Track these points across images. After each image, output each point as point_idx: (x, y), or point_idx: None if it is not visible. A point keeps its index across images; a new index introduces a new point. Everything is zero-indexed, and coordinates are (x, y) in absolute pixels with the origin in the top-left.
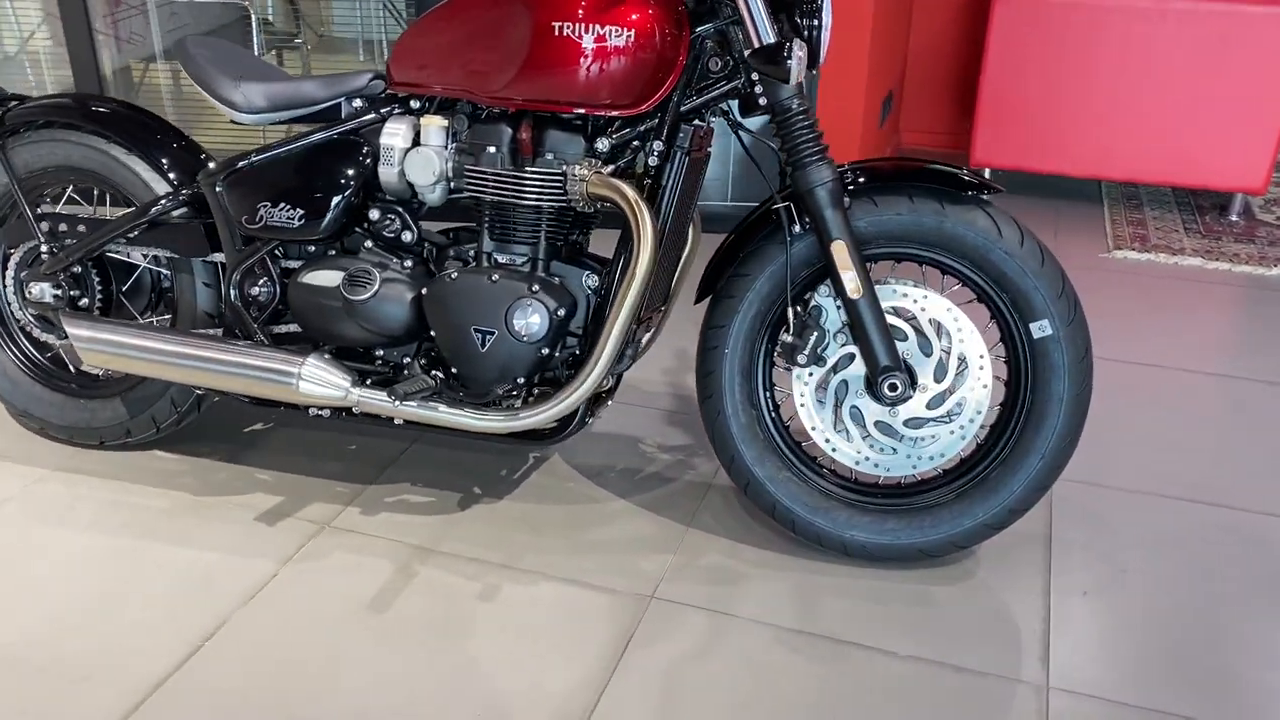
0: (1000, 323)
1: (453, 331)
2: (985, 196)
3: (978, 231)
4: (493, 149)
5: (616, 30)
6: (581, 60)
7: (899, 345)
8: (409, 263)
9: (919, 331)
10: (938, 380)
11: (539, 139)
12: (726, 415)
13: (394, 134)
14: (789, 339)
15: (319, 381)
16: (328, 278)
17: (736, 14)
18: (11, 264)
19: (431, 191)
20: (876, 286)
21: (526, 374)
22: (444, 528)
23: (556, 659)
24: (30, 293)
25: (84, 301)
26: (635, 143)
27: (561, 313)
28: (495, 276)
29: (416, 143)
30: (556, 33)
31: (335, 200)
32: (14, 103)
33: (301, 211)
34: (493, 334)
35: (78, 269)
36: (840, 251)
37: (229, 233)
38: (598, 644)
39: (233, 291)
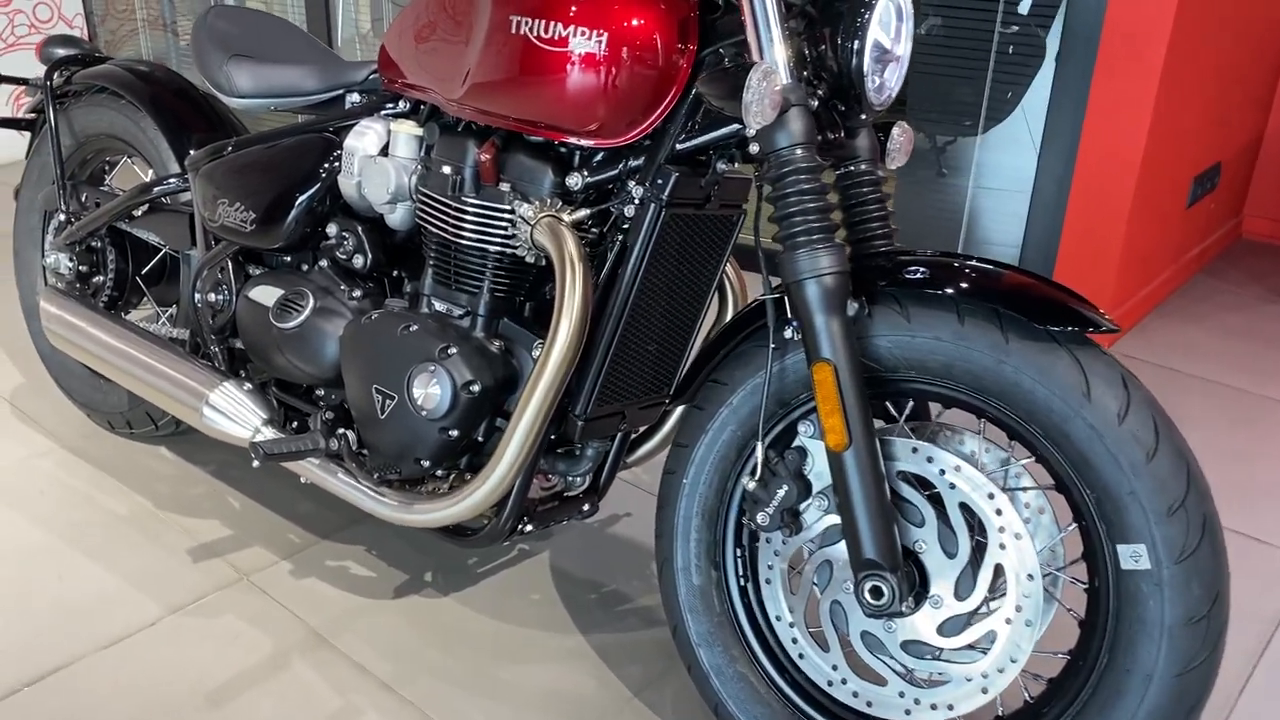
0: (1082, 529)
1: (355, 385)
2: (1080, 332)
3: (1054, 386)
4: (447, 169)
5: (593, 34)
6: (545, 69)
7: (911, 531)
8: (357, 292)
9: (943, 517)
10: (960, 597)
11: (501, 163)
12: (675, 567)
13: (360, 137)
14: (750, 485)
15: (226, 413)
16: (269, 295)
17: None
18: (50, 227)
19: (391, 211)
20: (890, 439)
21: (429, 457)
22: (357, 615)
23: None
24: (47, 260)
25: (97, 279)
26: (624, 185)
27: (475, 387)
28: (410, 327)
29: (387, 151)
30: (515, 30)
31: (294, 206)
32: (74, 66)
33: (255, 215)
34: (393, 399)
35: (96, 244)
36: (824, 380)
37: (201, 227)
38: None
39: (195, 295)
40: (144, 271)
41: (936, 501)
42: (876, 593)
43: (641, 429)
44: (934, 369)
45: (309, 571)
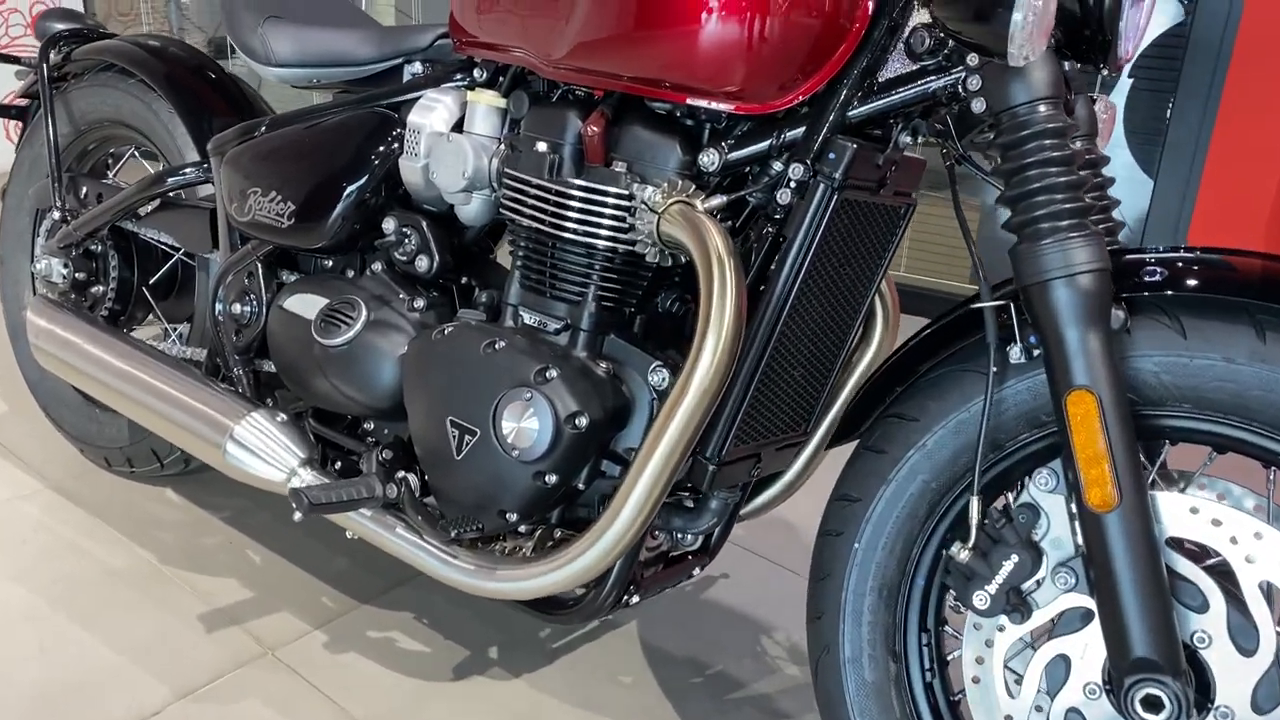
0: None
1: (424, 418)
2: None
3: None
4: (542, 146)
5: None
6: (677, 10)
7: (1190, 619)
8: (419, 302)
9: (1233, 599)
10: (1260, 710)
11: (614, 138)
12: (841, 658)
13: (428, 111)
14: (964, 556)
15: (255, 450)
16: (310, 305)
17: None
18: (43, 228)
19: (465, 201)
20: (1161, 494)
21: (519, 508)
22: (407, 701)
23: None
24: (38, 266)
25: (97, 289)
26: (767, 166)
27: (582, 420)
28: (496, 344)
29: (461, 128)
30: None
31: (343, 197)
32: (74, 42)
33: (295, 207)
34: (474, 435)
35: (96, 247)
36: (1085, 415)
37: (226, 225)
38: None
39: (217, 304)
40: (151, 282)
41: (1217, 578)
42: (1153, 704)
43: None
44: (1218, 401)
45: (347, 644)
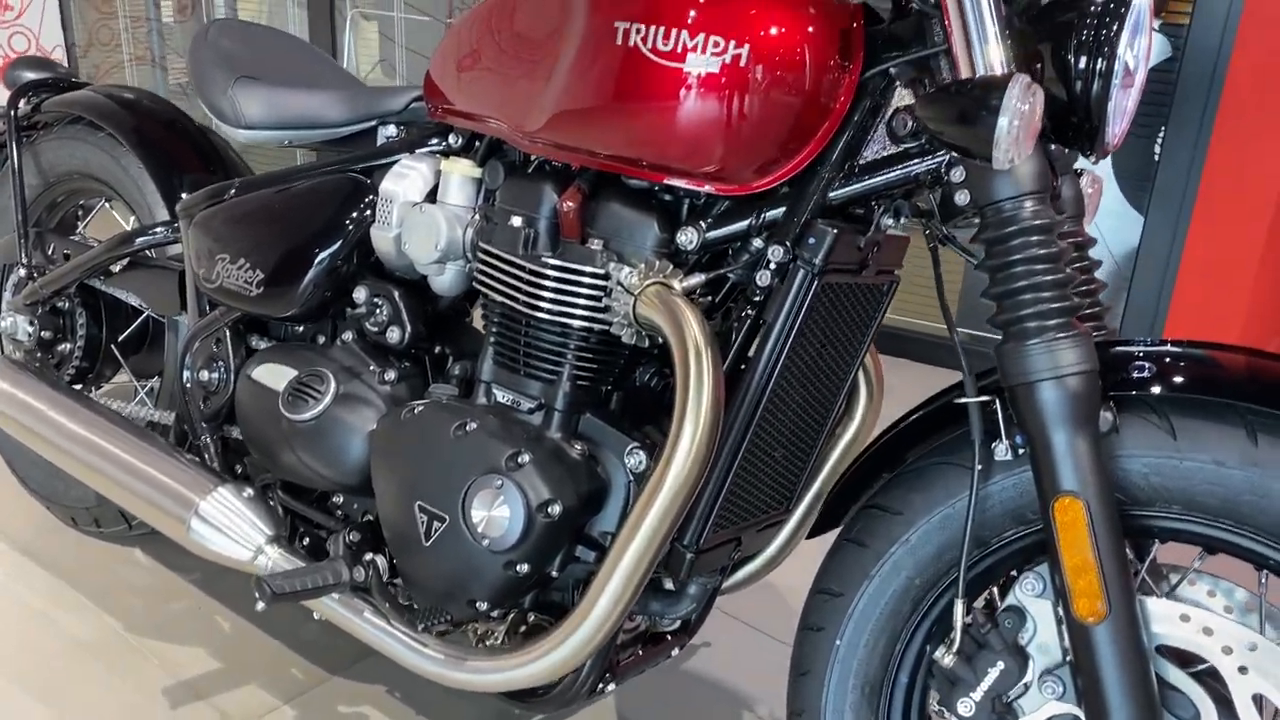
0: None
1: (392, 501)
2: None
3: None
4: (516, 221)
5: (727, 45)
6: (659, 90)
7: None
8: (390, 374)
9: (1225, 707)
10: None
11: (590, 213)
12: None
13: (401, 179)
14: (948, 661)
15: (220, 527)
16: (278, 376)
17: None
18: (9, 284)
19: (439, 272)
20: (1151, 600)
21: (489, 597)
22: None
23: None
24: (3, 324)
25: (64, 347)
26: (747, 243)
27: (555, 509)
28: (467, 425)
29: (435, 196)
30: (621, 39)
31: (313, 264)
32: (45, 92)
33: (263, 275)
34: (443, 521)
35: (63, 304)
36: (1073, 523)
37: (194, 288)
38: None
39: (185, 372)
40: (121, 339)
41: (1207, 683)
42: None
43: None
44: (1209, 505)
45: (317, 719)
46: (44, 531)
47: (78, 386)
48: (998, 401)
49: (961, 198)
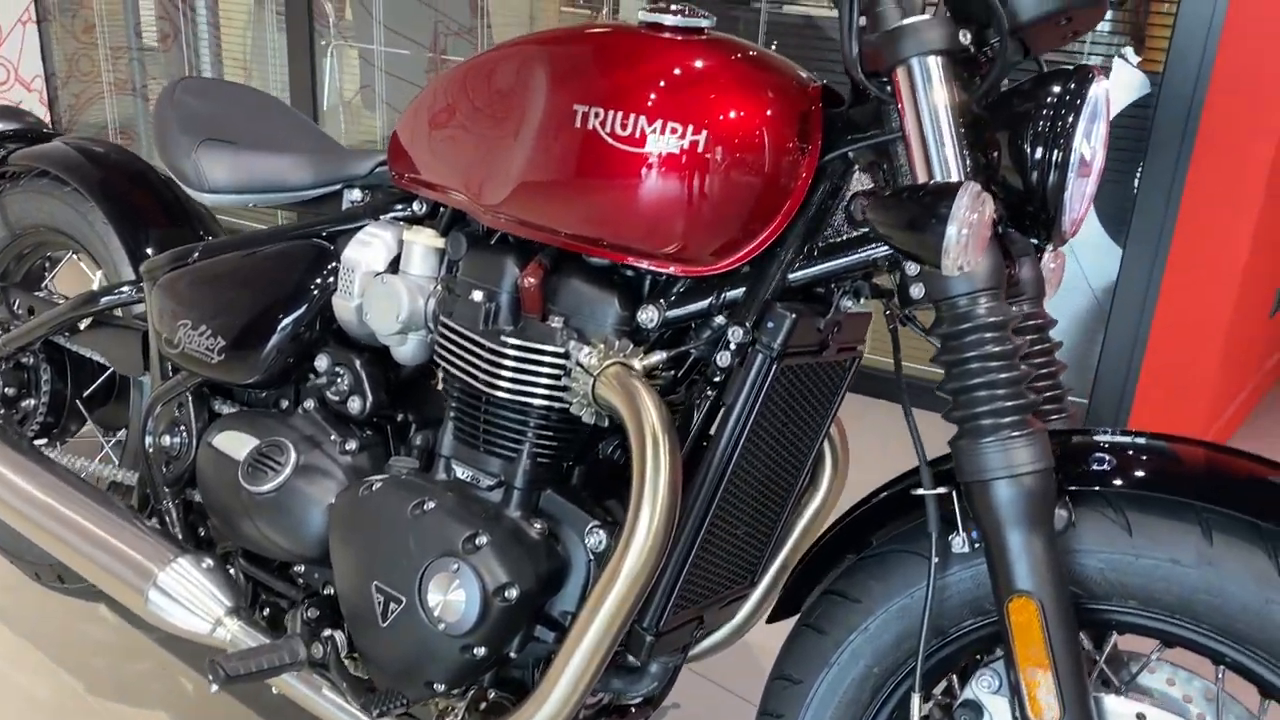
0: None
1: (349, 579)
2: None
3: None
4: (478, 295)
5: (686, 130)
6: (618, 173)
7: None
8: (351, 444)
9: None
10: None
11: (551, 288)
12: None
13: (364, 247)
14: None
15: (178, 598)
16: (239, 444)
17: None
18: None
19: (401, 343)
20: (1108, 699)
21: (445, 679)
22: None
23: None
24: None
25: (28, 402)
26: (707, 321)
27: (512, 592)
28: (424, 505)
29: (398, 265)
30: (580, 123)
31: (275, 332)
32: (14, 143)
33: (225, 342)
34: (399, 603)
35: (28, 359)
36: (1027, 623)
37: (157, 350)
38: None
39: (147, 436)
40: (86, 394)
41: None
42: None
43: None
44: (1164, 601)
45: None
46: (6, 587)
47: (43, 441)
48: (955, 493)
49: (916, 290)
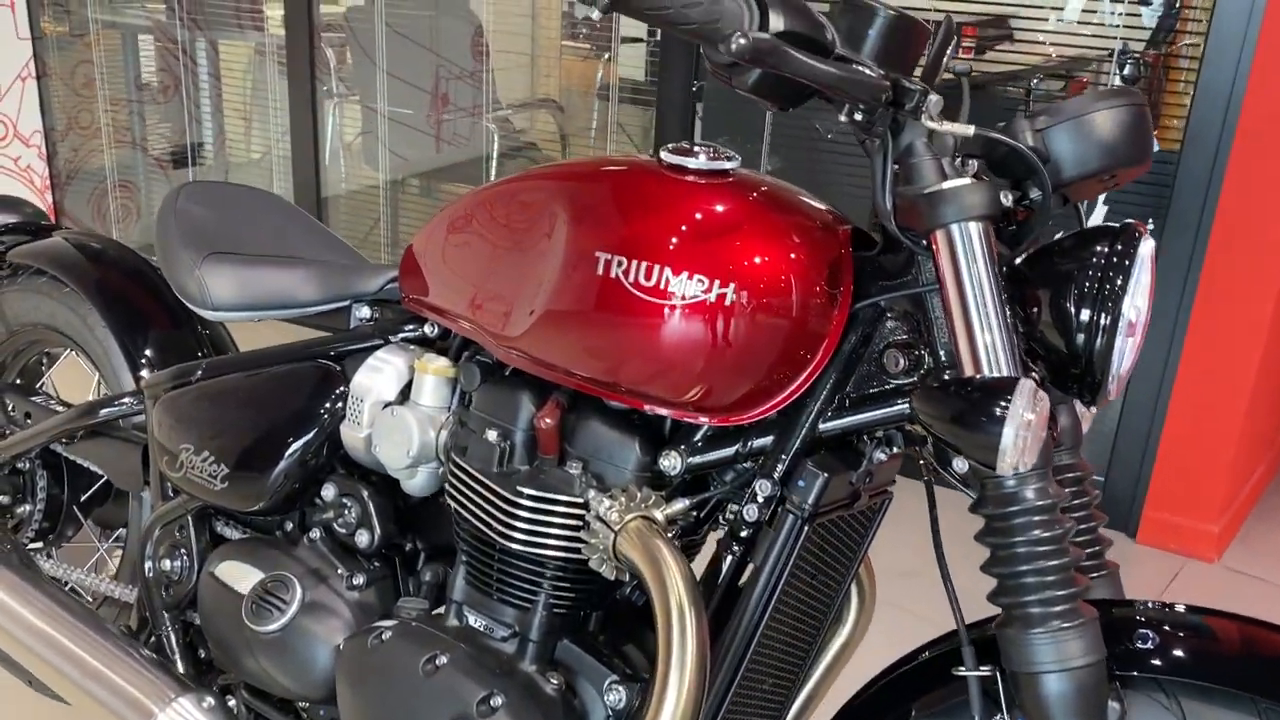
0: None
1: None
2: None
3: None
4: (493, 435)
5: (712, 282)
6: (641, 323)
7: None
8: (359, 579)
9: None
10: None
11: (569, 427)
12: None
13: (374, 374)
14: None
15: None
16: (243, 576)
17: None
18: None
19: (410, 475)
20: None
21: None
22: None
23: None
24: None
25: (23, 509)
26: (732, 466)
27: None
28: (436, 660)
29: (408, 395)
30: (602, 270)
31: (281, 459)
32: (13, 236)
33: (228, 469)
34: None
35: (23, 465)
36: None
37: (157, 469)
38: None
39: (146, 561)
40: (84, 499)
41: None
42: None
43: None
44: None
45: None
46: (20, 701)
47: (38, 545)
48: (999, 675)
49: (960, 465)
